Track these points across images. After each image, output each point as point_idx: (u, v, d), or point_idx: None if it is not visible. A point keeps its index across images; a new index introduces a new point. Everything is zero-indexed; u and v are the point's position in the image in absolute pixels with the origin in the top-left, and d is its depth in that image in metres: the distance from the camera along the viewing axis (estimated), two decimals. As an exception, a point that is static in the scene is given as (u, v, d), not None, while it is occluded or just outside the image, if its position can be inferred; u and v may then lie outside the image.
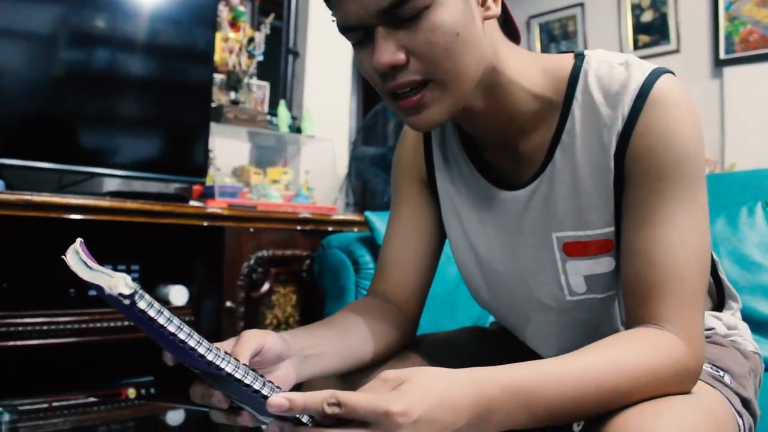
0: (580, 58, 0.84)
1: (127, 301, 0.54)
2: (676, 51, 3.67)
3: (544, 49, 4.29)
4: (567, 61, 0.85)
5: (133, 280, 1.77)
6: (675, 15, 3.68)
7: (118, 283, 0.54)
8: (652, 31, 3.79)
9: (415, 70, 0.74)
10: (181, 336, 0.58)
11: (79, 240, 0.60)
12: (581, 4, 4.10)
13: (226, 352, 0.62)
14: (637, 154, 0.78)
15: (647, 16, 3.81)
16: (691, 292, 0.75)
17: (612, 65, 0.81)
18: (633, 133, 0.77)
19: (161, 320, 0.56)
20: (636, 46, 3.84)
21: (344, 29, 0.75)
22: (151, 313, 0.56)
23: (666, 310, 0.74)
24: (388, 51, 0.72)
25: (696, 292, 0.76)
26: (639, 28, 3.85)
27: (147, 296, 0.56)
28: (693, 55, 3.60)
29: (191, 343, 0.58)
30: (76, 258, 0.57)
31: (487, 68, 0.79)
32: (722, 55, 3.44)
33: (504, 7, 0.82)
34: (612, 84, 0.79)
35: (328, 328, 0.87)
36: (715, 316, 1.01)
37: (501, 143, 0.88)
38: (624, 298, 0.81)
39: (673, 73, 0.80)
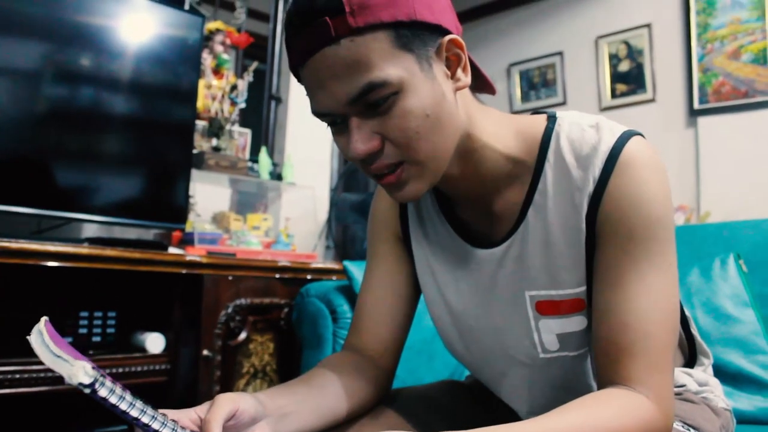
0: (552, 120, 0.86)
1: (87, 390, 0.55)
2: (652, 100, 3.75)
3: (524, 96, 4.36)
4: (539, 122, 0.87)
5: (110, 327, 1.74)
6: (651, 65, 3.77)
7: (78, 372, 0.55)
8: (629, 80, 3.87)
9: (390, 153, 0.76)
10: (144, 420, 0.60)
11: (44, 319, 0.60)
12: (560, 53, 4.19)
13: None
14: (607, 215, 0.79)
15: (624, 66, 3.90)
16: (660, 352, 0.76)
17: (583, 128, 0.83)
18: (604, 195, 0.79)
19: (123, 406, 0.58)
20: (613, 95, 3.92)
21: (317, 114, 0.78)
22: (113, 400, 0.57)
23: (636, 371, 0.75)
24: (363, 140, 0.74)
25: (665, 353, 0.77)
26: (616, 77, 3.93)
27: (108, 382, 0.57)
28: (668, 105, 3.67)
29: (155, 425, 0.61)
30: (40, 340, 0.58)
31: (462, 135, 0.81)
32: (696, 105, 3.52)
33: (474, 66, 0.84)
34: (583, 146, 0.81)
35: (303, 385, 0.87)
36: (686, 372, 1.02)
37: (475, 202, 0.89)
38: (595, 357, 0.81)
39: (642, 135, 0.83)
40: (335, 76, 0.71)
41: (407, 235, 1.01)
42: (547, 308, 0.87)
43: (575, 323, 0.86)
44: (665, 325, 0.77)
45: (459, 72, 0.78)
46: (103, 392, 0.56)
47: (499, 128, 0.85)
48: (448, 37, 0.76)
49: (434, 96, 0.75)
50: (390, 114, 0.73)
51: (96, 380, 0.56)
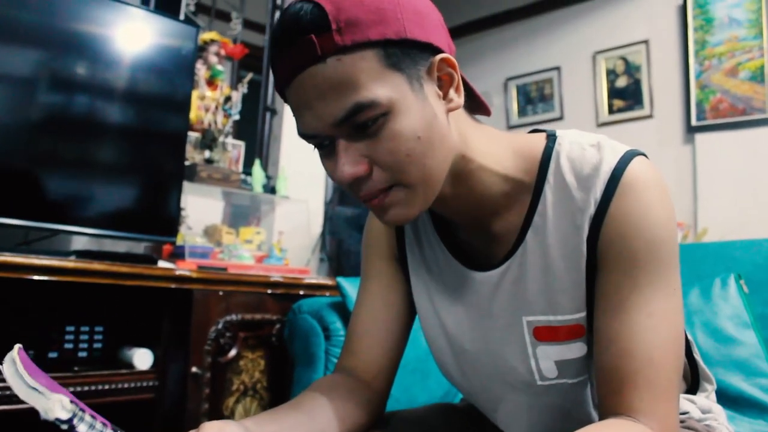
0: (552, 138, 0.83)
1: (64, 426, 0.52)
2: (650, 116, 3.74)
3: (521, 110, 4.35)
4: (539, 141, 0.84)
5: (97, 342, 1.68)
6: (648, 81, 3.76)
7: (54, 406, 0.51)
8: (627, 96, 3.86)
9: (379, 178, 0.73)
10: None
11: (17, 347, 0.57)
12: (558, 68, 4.18)
13: None
14: (609, 239, 0.76)
15: (622, 82, 3.89)
16: (665, 381, 0.74)
17: (584, 147, 0.80)
18: (605, 218, 0.76)
19: None
20: (611, 111, 3.91)
21: (303, 136, 0.75)
22: None
23: (640, 401, 0.73)
24: (350, 163, 0.71)
25: (670, 382, 0.74)
26: (614, 92, 3.92)
27: (87, 417, 0.54)
28: (666, 121, 3.66)
29: None
30: (13, 369, 0.55)
31: (456, 157, 0.78)
32: (694, 122, 3.51)
33: (467, 86, 0.81)
34: (584, 167, 0.79)
35: (293, 412, 0.84)
36: (689, 399, 0.99)
37: (472, 224, 0.87)
38: (597, 386, 0.79)
39: (645, 155, 0.80)
40: (321, 96, 0.69)
41: (403, 254, 0.98)
42: (545, 334, 0.84)
43: (574, 350, 0.83)
44: (670, 352, 0.75)
45: (451, 92, 0.76)
46: (81, 428, 0.53)
47: (496, 148, 0.83)
48: (439, 56, 0.73)
49: (425, 117, 0.72)
50: (379, 136, 0.70)
51: (74, 415, 0.53)
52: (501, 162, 0.82)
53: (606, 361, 0.76)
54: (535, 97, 4.31)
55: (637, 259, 0.75)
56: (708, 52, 3.50)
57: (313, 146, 0.77)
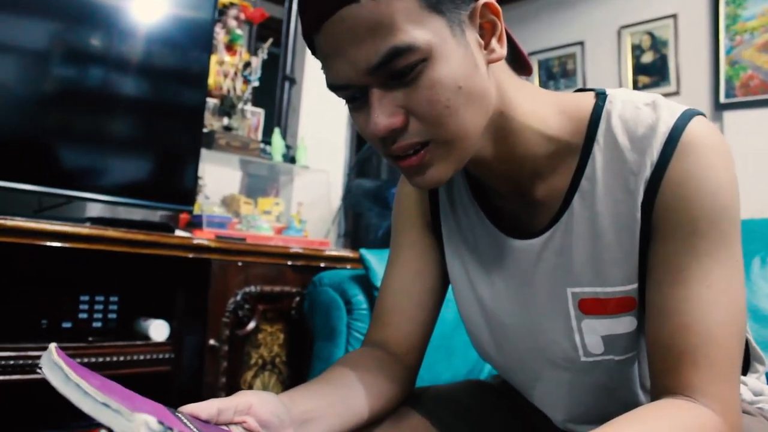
0: (602, 97, 0.77)
1: None
2: (676, 93, 3.64)
3: (543, 86, 4.26)
4: (587, 100, 0.78)
5: (112, 313, 1.62)
6: (675, 57, 3.66)
7: (139, 429, 0.42)
8: (652, 72, 3.76)
9: (415, 131, 0.67)
10: None
11: (53, 346, 0.49)
12: (581, 43, 4.08)
13: None
14: (667, 204, 0.70)
15: (647, 57, 3.79)
16: (727, 360, 0.68)
17: (638, 106, 0.74)
18: (663, 182, 0.70)
19: None
20: (635, 87, 3.81)
21: (333, 88, 0.69)
22: None
23: (699, 380, 0.67)
24: (385, 114, 0.66)
25: (732, 360, 0.69)
26: (639, 68, 3.82)
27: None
28: (693, 98, 3.56)
29: None
30: (62, 376, 0.45)
31: (495, 113, 0.73)
32: (722, 99, 3.41)
33: (510, 40, 0.75)
34: (638, 126, 0.73)
35: (326, 387, 0.80)
36: (740, 380, 0.93)
37: (512, 188, 0.81)
38: (650, 363, 0.73)
39: (704, 114, 0.74)
40: (355, 40, 0.63)
41: (437, 222, 0.93)
42: (591, 307, 0.78)
43: (624, 324, 0.78)
44: (732, 328, 0.69)
45: (494, 42, 0.70)
46: None
47: (540, 106, 0.77)
48: (482, 1, 0.68)
49: (467, 66, 0.66)
50: (417, 84, 0.65)
51: None
52: (545, 121, 0.76)
53: (661, 336, 0.71)
54: (558, 73, 4.21)
55: (697, 226, 0.69)
56: (740, 26, 3.39)
57: (344, 100, 0.71)
